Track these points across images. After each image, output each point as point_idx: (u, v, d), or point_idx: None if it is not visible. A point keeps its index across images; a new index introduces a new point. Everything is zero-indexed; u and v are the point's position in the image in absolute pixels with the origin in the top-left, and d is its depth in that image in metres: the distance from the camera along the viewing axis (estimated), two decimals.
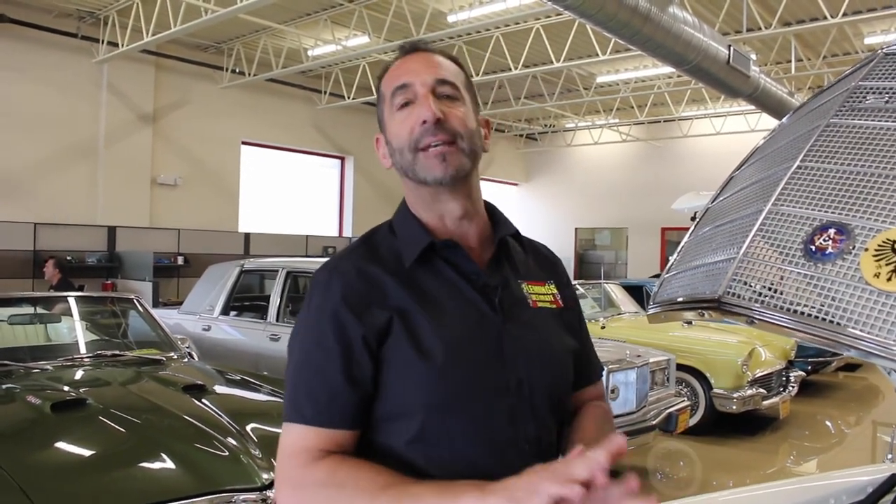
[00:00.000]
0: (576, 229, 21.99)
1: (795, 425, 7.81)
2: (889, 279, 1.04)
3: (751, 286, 1.18)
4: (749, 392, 7.01)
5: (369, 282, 1.20)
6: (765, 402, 7.22)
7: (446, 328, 1.18)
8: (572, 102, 17.23)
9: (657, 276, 6.12)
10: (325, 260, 1.34)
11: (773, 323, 1.13)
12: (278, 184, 16.90)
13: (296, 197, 17.29)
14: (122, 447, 2.98)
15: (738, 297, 1.18)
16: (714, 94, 14.92)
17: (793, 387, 7.76)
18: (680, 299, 1.34)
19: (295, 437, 1.16)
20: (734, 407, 6.92)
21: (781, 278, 1.16)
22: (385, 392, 1.17)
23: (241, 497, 2.66)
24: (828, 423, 8.28)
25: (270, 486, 2.70)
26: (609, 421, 1.40)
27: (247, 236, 14.41)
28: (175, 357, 4.57)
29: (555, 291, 1.36)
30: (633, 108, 17.94)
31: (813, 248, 1.15)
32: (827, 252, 1.13)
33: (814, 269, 1.13)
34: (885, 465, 2.31)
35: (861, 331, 1.04)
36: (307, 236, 15.60)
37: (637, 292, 9.79)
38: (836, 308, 1.08)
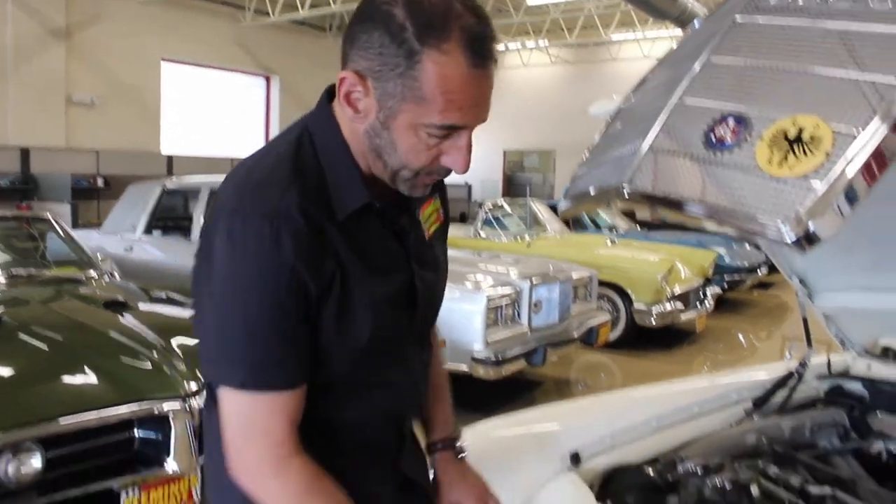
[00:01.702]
0: (504, 152, 22.02)
1: (711, 339, 8.17)
2: (780, 165, 1.09)
3: (654, 175, 1.23)
4: (668, 307, 7.28)
5: (317, 231, 1.08)
6: (682, 317, 7.53)
7: (381, 283, 1.16)
8: (502, 23, 17.04)
9: None
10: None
11: (672, 209, 1.18)
12: (202, 104, 16.36)
13: (220, 117, 16.80)
14: (42, 364, 2.94)
15: (643, 185, 1.23)
16: (643, 17, 14.96)
17: (709, 303, 8.10)
18: (590, 191, 1.38)
19: (269, 408, 1.08)
20: (653, 321, 7.19)
21: (683, 167, 1.21)
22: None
23: (165, 405, 2.67)
24: (740, 336, 8.68)
25: (195, 394, 2.71)
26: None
27: (169, 159, 13.97)
28: (95, 276, 4.47)
29: (439, 206, 1.34)
30: (562, 30, 17.86)
31: (713, 138, 1.19)
32: (726, 143, 1.18)
33: (713, 157, 1.18)
34: (784, 363, 2.49)
35: (753, 214, 1.10)
36: (232, 159, 15.22)
37: None
38: (733, 194, 1.13)
